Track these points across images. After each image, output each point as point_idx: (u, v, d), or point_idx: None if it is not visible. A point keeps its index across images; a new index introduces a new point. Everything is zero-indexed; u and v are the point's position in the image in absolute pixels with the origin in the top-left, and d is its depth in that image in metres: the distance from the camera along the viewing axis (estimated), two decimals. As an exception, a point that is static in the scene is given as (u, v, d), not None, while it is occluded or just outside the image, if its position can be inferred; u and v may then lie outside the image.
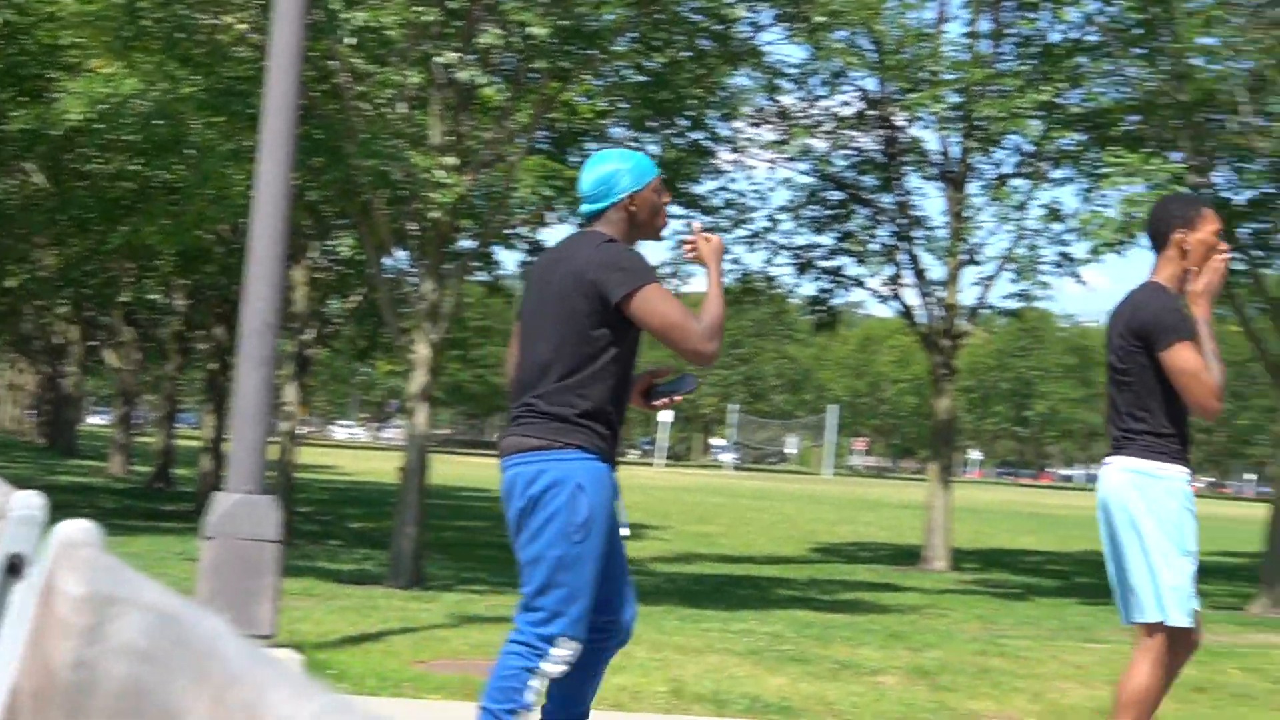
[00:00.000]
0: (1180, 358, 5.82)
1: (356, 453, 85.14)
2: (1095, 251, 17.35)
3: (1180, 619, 5.86)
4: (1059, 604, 17.97)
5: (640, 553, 25.10)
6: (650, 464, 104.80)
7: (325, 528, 26.98)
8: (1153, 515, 5.87)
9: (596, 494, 5.16)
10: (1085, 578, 24.22)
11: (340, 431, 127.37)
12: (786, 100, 26.35)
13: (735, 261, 26.82)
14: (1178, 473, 5.89)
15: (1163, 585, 5.86)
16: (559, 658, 5.18)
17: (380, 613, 11.43)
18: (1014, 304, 26.20)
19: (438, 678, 8.26)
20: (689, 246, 5.51)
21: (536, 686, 5.19)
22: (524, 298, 5.49)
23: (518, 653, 5.19)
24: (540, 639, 5.16)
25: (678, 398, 5.53)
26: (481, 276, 24.33)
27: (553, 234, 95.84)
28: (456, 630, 10.52)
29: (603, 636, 5.41)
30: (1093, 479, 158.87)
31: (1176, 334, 5.85)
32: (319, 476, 47.29)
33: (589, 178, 5.36)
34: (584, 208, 5.39)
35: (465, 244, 18.67)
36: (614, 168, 5.35)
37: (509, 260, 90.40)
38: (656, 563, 23.19)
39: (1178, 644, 5.94)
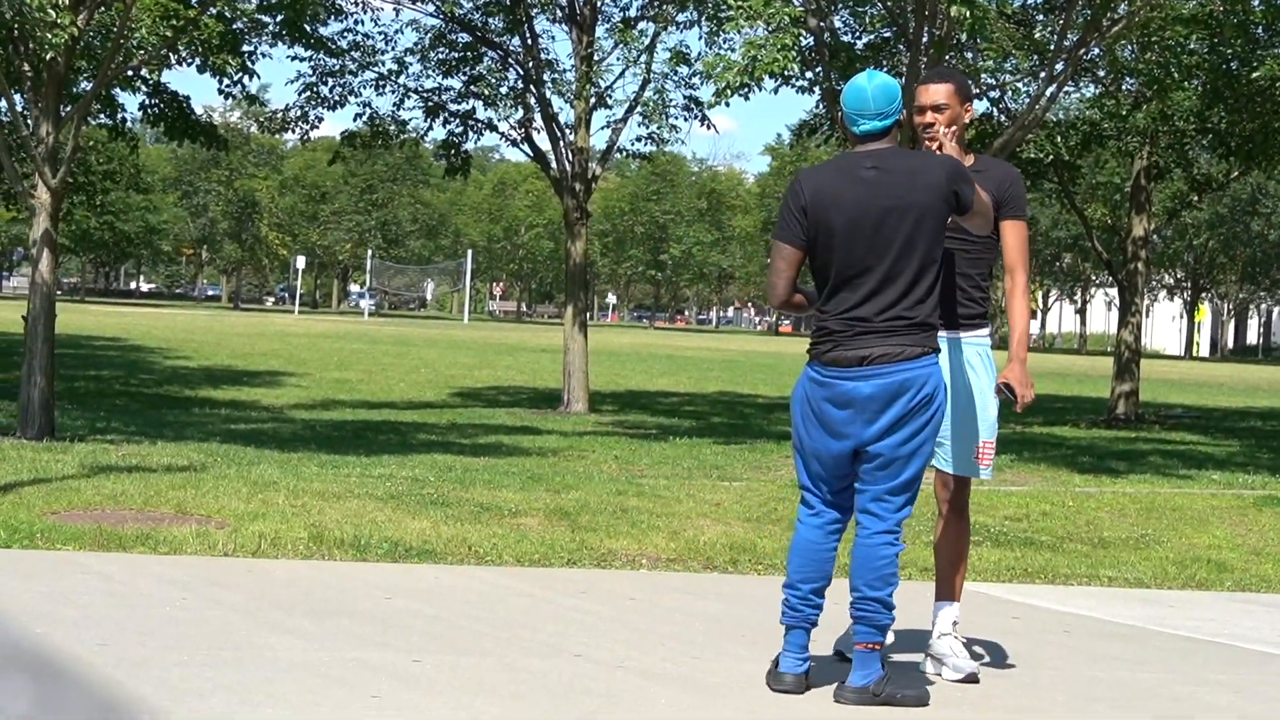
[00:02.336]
0: None
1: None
2: (720, 94, 17.63)
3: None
4: (695, 444, 18.45)
5: (278, 400, 24.85)
6: (288, 311, 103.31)
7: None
8: None
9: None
10: (720, 418, 24.92)
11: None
12: (411, -59, 25.97)
13: (366, 105, 26.42)
14: None
15: None
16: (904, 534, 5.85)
17: (10, 464, 11.10)
18: (645, 147, 26.57)
19: (71, 528, 8.11)
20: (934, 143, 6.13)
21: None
22: (832, 215, 5.66)
23: (887, 541, 5.70)
24: (899, 524, 5.73)
25: None
26: (104, 120, 23.45)
27: (175, 76, 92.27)
28: (90, 480, 10.31)
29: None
30: (727, 321, 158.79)
31: None
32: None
33: (881, 97, 5.70)
34: (873, 124, 5.71)
35: (84, 86, 17.93)
36: (896, 89, 5.75)
37: (131, 104, 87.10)
38: (295, 409, 23.00)
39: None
